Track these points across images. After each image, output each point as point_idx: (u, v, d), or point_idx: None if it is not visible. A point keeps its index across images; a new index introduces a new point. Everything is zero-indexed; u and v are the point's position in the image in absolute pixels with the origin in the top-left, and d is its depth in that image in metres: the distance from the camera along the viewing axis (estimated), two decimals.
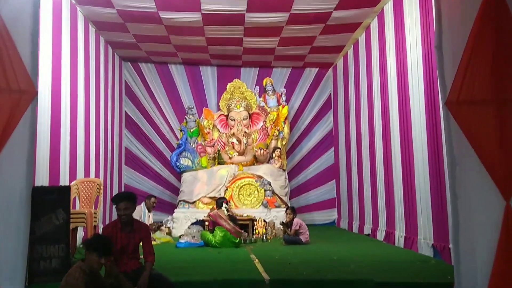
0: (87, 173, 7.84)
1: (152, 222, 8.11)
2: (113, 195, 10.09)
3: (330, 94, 11.33)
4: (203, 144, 9.72)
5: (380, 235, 7.92)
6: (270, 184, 8.93)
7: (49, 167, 6.21)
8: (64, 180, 6.73)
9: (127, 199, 4.16)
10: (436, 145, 5.88)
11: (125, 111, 10.88)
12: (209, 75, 11.16)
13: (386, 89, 7.62)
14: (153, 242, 7.28)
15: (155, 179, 10.88)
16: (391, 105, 7.39)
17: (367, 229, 8.65)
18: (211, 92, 11.11)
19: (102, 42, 9.09)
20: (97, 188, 6.46)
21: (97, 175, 8.46)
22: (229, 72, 10.84)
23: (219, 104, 10.26)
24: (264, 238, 7.67)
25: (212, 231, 6.93)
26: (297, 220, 7.12)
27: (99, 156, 8.61)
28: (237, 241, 6.79)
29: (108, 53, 9.55)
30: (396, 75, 7.18)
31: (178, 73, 11.08)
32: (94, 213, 6.19)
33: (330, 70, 11.32)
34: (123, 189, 10.62)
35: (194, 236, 7.37)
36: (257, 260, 5.50)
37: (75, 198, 6.51)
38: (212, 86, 11.14)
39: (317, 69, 11.30)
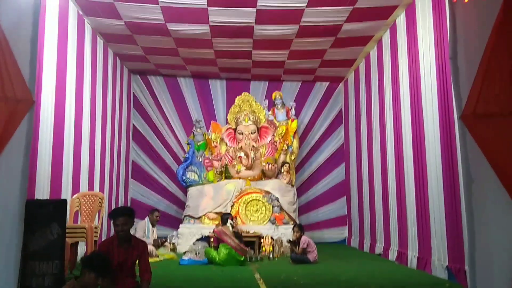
0: (91, 187, 7.70)
1: (156, 237, 7.92)
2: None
3: (341, 108, 11.12)
4: (210, 158, 9.54)
5: (392, 255, 7.60)
6: (278, 200, 8.69)
7: (50, 179, 6.07)
8: (66, 193, 6.58)
9: (125, 214, 3.98)
10: (451, 161, 5.61)
11: (133, 124, 10.79)
12: (218, 88, 11.05)
13: (398, 103, 7.39)
14: (156, 259, 7.15)
15: (161, 193, 10.71)
16: (404, 120, 7.15)
17: (379, 249, 8.33)
18: (219, 106, 10.98)
19: (111, 54, 9.04)
20: (99, 202, 6.30)
21: (102, 189, 8.32)
22: (238, 85, 10.71)
23: (227, 117, 10.11)
24: (271, 256, 7.41)
25: (216, 248, 6.71)
26: (304, 238, 6.85)
27: (104, 169, 8.48)
28: (242, 259, 6.55)
29: (117, 65, 9.49)
30: (409, 88, 6.96)
31: (186, 86, 10.98)
32: (95, 227, 6.02)
33: (341, 84, 11.13)
34: (129, 203, 10.48)
35: (198, 253, 7.14)
36: (261, 280, 5.25)
37: (76, 212, 6.36)
38: (221, 100, 11.01)
39: (327, 83, 11.13)
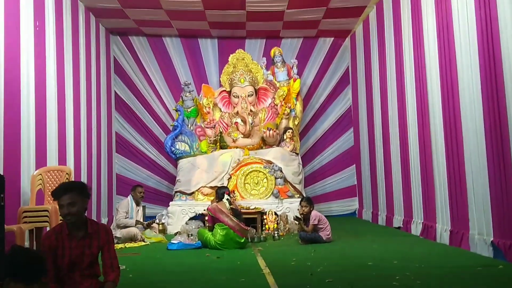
0: (62, 162, 6.56)
1: (142, 217, 6.86)
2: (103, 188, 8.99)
3: (348, 67, 9.94)
4: (202, 125, 8.37)
5: (416, 229, 6.58)
6: (281, 171, 7.57)
7: (2, 155, 4.91)
8: (28, 170, 5.45)
9: (71, 190, 2.86)
10: (497, 113, 4.51)
11: (114, 91, 9.59)
12: (209, 48, 9.82)
13: (422, 53, 6.23)
14: (141, 243, 6.07)
15: (150, 168, 9.62)
16: (430, 71, 6.00)
17: (398, 221, 7.31)
18: (211, 68, 9.77)
19: (82, 8, 7.75)
20: (66, 178, 5.18)
21: (77, 165, 7.20)
22: (232, 44, 9.43)
23: (220, 79, 8.89)
24: (276, 235, 6.35)
25: (211, 228, 5.63)
26: (315, 214, 5.77)
27: (79, 142, 7.33)
28: (242, 240, 5.49)
29: (91, 22, 8.21)
30: (436, 34, 5.78)
31: (173, 47, 9.75)
32: None
33: (348, 40, 9.91)
34: (114, 180, 9.40)
35: (191, 235, 6.08)
36: (266, 267, 4.19)
37: (40, 191, 5.25)
38: (213, 62, 9.79)
39: (332, 38, 9.91)
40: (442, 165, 5.72)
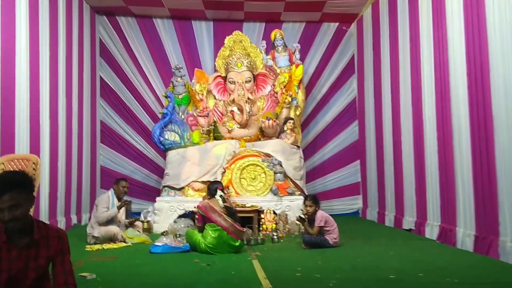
0: (35, 151, 5.79)
1: (127, 214, 6.12)
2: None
3: (353, 55, 9.21)
4: (194, 114, 7.61)
5: (431, 232, 5.89)
6: (281, 165, 6.84)
7: None
8: None
9: (13, 187, 2.13)
10: None
11: (100, 76, 8.81)
12: (203, 32, 9.05)
13: (443, 36, 5.53)
14: (122, 244, 5.33)
15: (137, 160, 8.86)
16: (453, 58, 5.29)
17: (408, 223, 6.62)
18: (206, 54, 9.01)
19: None
20: (33, 169, 4.42)
21: (54, 155, 6.45)
22: (228, 27, 8.62)
23: (215, 63, 8.11)
24: (275, 237, 5.62)
25: (202, 229, 4.89)
26: (321, 214, 5.04)
27: (56, 130, 6.57)
28: (237, 244, 4.75)
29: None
30: (463, 12, 5.06)
31: (165, 29, 8.98)
32: None
33: (353, 25, 9.17)
34: (98, 173, 8.64)
35: (178, 235, 5.34)
36: (267, 280, 3.46)
37: None
38: (207, 46, 9.03)
39: (337, 24, 9.18)
40: (466, 162, 5.01)
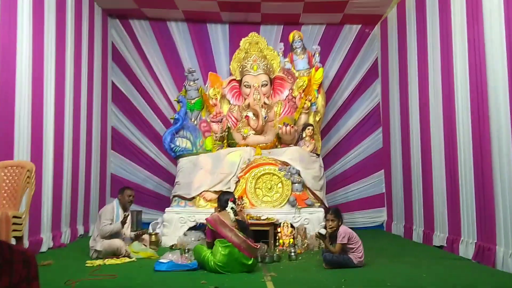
0: (37, 159, 5.46)
1: (134, 225, 5.71)
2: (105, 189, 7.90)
3: (377, 58, 8.70)
4: (208, 120, 7.19)
5: (465, 250, 5.31)
6: (299, 174, 6.35)
7: None
8: None
9: None
10: None
11: (112, 81, 8.51)
12: (219, 35, 8.68)
13: (480, 35, 4.98)
14: (125, 260, 4.90)
15: (150, 168, 8.52)
16: (491, 59, 4.74)
17: (439, 239, 6.04)
18: (221, 58, 8.63)
19: None
20: (27, 177, 4.05)
21: (59, 162, 6.09)
22: (245, 30, 8.18)
23: (230, 66, 7.70)
24: (292, 253, 5.11)
25: (211, 245, 4.43)
26: (344, 230, 4.52)
27: (62, 136, 6.24)
28: (250, 262, 4.27)
29: (83, 1, 7.11)
30: (503, 8, 4.52)
31: (179, 33, 8.65)
32: (17, 216, 3.80)
33: (377, 27, 8.67)
34: (108, 181, 8.29)
35: (187, 251, 4.89)
36: None
37: None
38: (223, 50, 8.65)
39: (359, 26, 8.70)
40: (508, 174, 4.44)
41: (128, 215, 5.26)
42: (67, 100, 6.42)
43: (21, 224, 3.85)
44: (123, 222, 5.19)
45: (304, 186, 6.40)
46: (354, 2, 7.62)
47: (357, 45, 8.69)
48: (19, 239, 3.86)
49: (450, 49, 5.71)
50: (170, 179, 8.35)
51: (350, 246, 4.48)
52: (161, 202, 8.12)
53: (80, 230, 6.90)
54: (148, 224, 6.84)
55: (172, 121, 7.16)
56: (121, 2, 7.75)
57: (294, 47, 7.52)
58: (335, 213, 4.59)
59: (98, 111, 7.72)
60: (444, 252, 5.71)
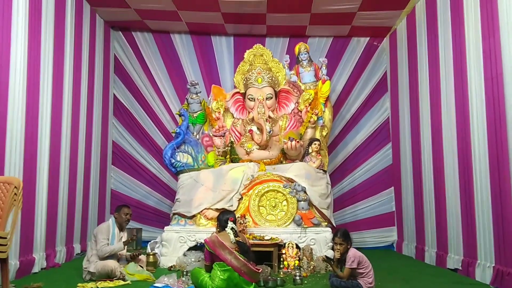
0: (30, 173, 5.22)
1: (125, 249, 5.37)
2: (104, 206, 7.65)
3: (386, 71, 8.44)
4: (210, 134, 6.94)
5: (482, 274, 4.97)
6: (305, 192, 6.05)
7: None
8: None
9: None
10: None
11: (113, 94, 8.33)
12: (223, 47, 8.49)
13: (496, 47, 4.74)
14: (119, 283, 4.60)
15: (151, 184, 8.27)
16: (509, 69, 4.50)
17: (454, 262, 5.69)
18: (225, 70, 8.42)
19: None
20: (14, 193, 3.79)
21: (55, 178, 5.85)
22: (250, 43, 7.94)
23: (234, 78, 7.48)
24: (298, 277, 4.79)
25: (209, 268, 4.13)
26: (353, 253, 4.20)
27: (58, 151, 6.01)
28: (251, 287, 3.96)
29: (83, 12, 6.96)
30: None
31: (183, 45, 8.46)
32: (1, 237, 3.54)
33: (386, 40, 8.44)
34: (108, 197, 8.04)
35: (186, 274, 4.59)
36: None
37: None
38: (227, 63, 8.45)
39: (367, 38, 8.47)
40: None
41: (135, 236, 5.03)
42: (65, 114, 6.21)
43: (5, 245, 3.59)
44: (126, 243, 4.93)
45: (310, 204, 6.09)
46: (362, 14, 7.40)
47: (365, 58, 8.45)
48: (3, 261, 3.59)
49: (464, 62, 5.44)
50: (171, 195, 8.08)
51: (360, 270, 4.16)
52: (162, 219, 7.87)
53: (77, 248, 6.63)
54: (148, 242, 6.56)
55: (173, 135, 6.91)
56: (124, 14, 7.60)
57: (300, 59, 7.29)
58: (343, 236, 4.27)
59: (98, 124, 7.51)
60: (459, 276, 5.37)
